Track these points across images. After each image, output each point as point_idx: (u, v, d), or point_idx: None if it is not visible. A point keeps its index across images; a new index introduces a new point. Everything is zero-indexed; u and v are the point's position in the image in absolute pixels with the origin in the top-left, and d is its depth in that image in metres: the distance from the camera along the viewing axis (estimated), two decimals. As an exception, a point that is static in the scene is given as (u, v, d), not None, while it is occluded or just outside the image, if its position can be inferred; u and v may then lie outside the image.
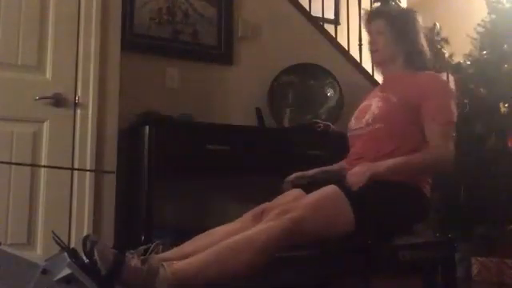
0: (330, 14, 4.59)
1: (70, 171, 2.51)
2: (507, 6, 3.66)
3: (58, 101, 2.52)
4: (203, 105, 3.30)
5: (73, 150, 2.54)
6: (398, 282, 2.59)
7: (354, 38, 4.02)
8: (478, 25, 3.72)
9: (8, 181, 2.40)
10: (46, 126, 2.51)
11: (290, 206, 1.66)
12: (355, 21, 4.04)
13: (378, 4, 4.06)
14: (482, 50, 3.67)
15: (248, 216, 1.80)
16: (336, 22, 4.59)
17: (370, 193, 1.74)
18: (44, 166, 2.43)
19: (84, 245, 1.37)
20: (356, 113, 2.15)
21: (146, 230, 2.60)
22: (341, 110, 3.50)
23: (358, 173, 1.76)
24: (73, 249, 1.38)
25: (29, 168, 2.44)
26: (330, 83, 3.55)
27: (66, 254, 1.35)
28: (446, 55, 4.04)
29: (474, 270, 3.15)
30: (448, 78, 4.15)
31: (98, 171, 2.52)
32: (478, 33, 3.71)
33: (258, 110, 3.32)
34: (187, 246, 1.67)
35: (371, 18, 2.14)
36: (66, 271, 1.32)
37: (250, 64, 3.53)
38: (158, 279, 1.40)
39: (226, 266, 1.48)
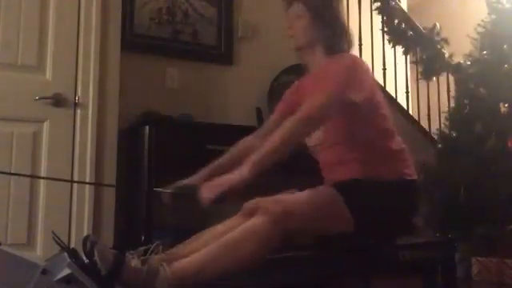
0: (330, 14, 4.58)
1: (69, 171, 2.51)
2: (507, 6, 3.66)
3: (57, 101, 2.53)
4: (203, 105, 3.30)
5: (73, 150, 2.54)
6: (398, 281, 2.59)
7: (354, 38, 4.01)
8: (478, 25, 3.72)
9: (8, 181, 2.40)
10: (45, 126, 2.51)
11: (281, 197, 1.67)
12: (355, 21, 4.03)
13: (378, 4, 4.06)
14: (482, 50, 3.67)
15: (243, 212, 1.80)
16: (336, 22, 4.58)
17: (365, 192, 1.73)
18: (43, 178, 2.43)
19: (84, 245, 1.37)
20: None
21: (145, 230, 2.60)
22: (341, 110, 3.49)
23: (211, 186, 1.60)
24: (73, 249, 1.38)
25: (29, 168, 2.44)
26: (330, 83, 3.55)
27: (65, 254, 1.35)
28: (446, 55, 4.05)
29: (474, 270, 3.15)
30: (448, 78, 4.16)
31: (98, 184, 2.52)
32: (478, 33, 3.71)
33: (258, 110, 3.32)
34: (186, 246, 1.68)
35: (289, 2, 1.99)
36: (66, 271, 1.32)
37: (250, 64, 3.53)
38: (158, 279, 1.40)
39: (225, 263, 1.49)
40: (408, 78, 4.42)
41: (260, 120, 3.29)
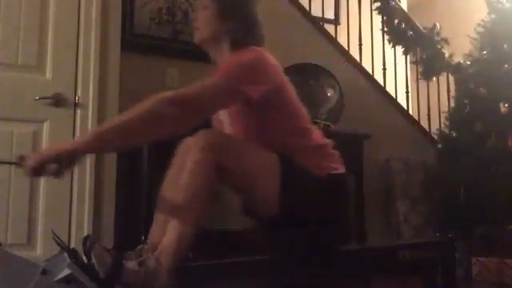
0: (330, 14, 4.59)
1: (69, 176, 2.51)
2: (507, 5, 3.66)
3: (57, 101, 2.53)
4: (203, 105, 3.29)
5: (73, 150, 2.53)
6: (398, 282, 2.59)
7: (353, 37, 4.02)
8: (478, 25, 3.72)
9: (8, 181, 2.41)
10: (45, 126, 2.51)
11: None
12: (355, 21, 4.03)
13: (378, 4, 4.06)
14: (482, 50, 3.67)
15: (177, 155, 1.77)
16: (336, 22, 4.59)
17: (298, 180, 1.65)
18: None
19: (84, 245, 1.37)
20: (216, 122, 1.95)
21: (146, 230, 2.59)
22: (341, 110, 3.50)
23: (36, 154, 1.46)
24: (73, 249, 1.38)
25: (29, 168, 2.44)
26: (329, 83, 3.55)
27: (66, 254, 1.35)
28: (446, 55, 4.05)
29: (474, 270, 3.15)
30: (448, 78, 4.16)
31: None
32: (477, 33, 3.71)
33: (258, 110, 3.32)
34: (156, 225, 1.67)
35: None
36: (66, 271, 1.32)
37: (250, 64, 3.52)
38: (156, 279, 1.41)
39: (191, 217, 1.50)
40: (408, 78, 4.42)
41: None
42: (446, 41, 4.05)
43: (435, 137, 3.92)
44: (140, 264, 1.42)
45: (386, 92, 4.05)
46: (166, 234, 1.50)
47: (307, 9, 3.83)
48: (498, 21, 3.64)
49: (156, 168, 2.68)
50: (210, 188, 1.54)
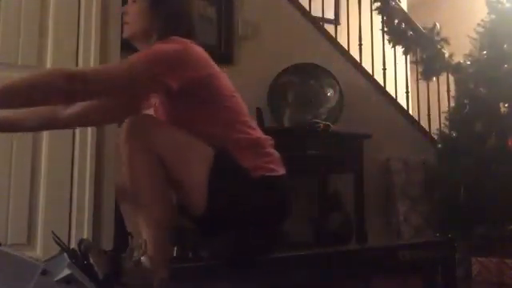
0: (330, 14, 4.59)
1: (69, 173, 2.51)
2: (507, 5, 3.66)
3: (57, 101, 2.52)
4: (203, 105, 3.29)
5: (73, 150, 2.53)
6: (398, 282, 2.59)
7: (354, 37, 4.02)
8: (478, 25, 3.72)
9: (8, 181, 2.40)
10: (45, 126, 2.51)
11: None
12: (355, 21, 4.03)
13: (378, 4, 4.06)
14: (481, 50, 3.67)
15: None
16: (336, 21, 4.60)
17: (230, 179, 1.59)
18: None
19: (79, 249, 1.37)
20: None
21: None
22: (341, 109, 3.50)
23: None
24: (73, 249, 1.38)
25: (29, 168, 2.44)
26: (329, 83, 3.55)
27: (65, 254, 1.35)
28: (446, 55, 4.05)
29: (474, 270, 3.15)
30: (448, 78, 4.16)
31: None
32: (477, 33, 3.71)
33: (258, 110, 3.32)
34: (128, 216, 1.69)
35: None
36: (66, 272, 1.32)
37: (250, 64, 3.53)
38: (155, 278, 1.42)
39: (156, 210, 1.50)
40: (408, 78, 4.42)
41: (260, 120, 3.29)
42: (446, 41, 4.05)
43: (435, 137, 3.92)
44: (136, 264, 1.42)
45: (386, 92, 4.05)
46: (143, 230, 1.50)
47: (307, 9, 3.83)
48: (497, 21, 3.64)
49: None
50: (155, 175, 1.49)
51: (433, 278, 2.05)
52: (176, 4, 1.74)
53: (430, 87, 4.18)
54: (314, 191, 3.50)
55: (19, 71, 2.49)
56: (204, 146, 1.58)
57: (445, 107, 4.05)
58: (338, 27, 4.12)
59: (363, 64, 3.98)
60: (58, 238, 1.40)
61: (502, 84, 3.45)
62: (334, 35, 3.93)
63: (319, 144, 3.10)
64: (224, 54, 3.44)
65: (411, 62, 4.29)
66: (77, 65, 2.58)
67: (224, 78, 1.78)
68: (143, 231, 1.51)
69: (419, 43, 4.08)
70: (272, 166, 1.67)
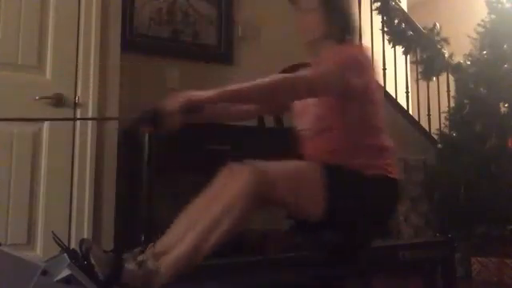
0: (330, 14, 4.58)
1: (69, 173, 2.51)
2: (507, 5, 3.66)
3: (58, 101, 2.52)
4: (203, 105, 3.29)
5: (73, 150, 2.53)
6: (398, 282, 2.59)
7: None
8: (478, 25, 3.72)
9: (8, 180, 2.40)
10: (46, 125, 2.51)
11: (267, 163, 1.64)
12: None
13: (378, 4, 4.06)
14: (482, 49, 3.67)
15: (219, 178, 1.77)
16: (336, 21, 4.59)
17: (346, 181, 1.69)
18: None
19: (80, 249, 1.37)
20: (296, 111, 2.05)
21: (146, 230, 2.60)
22: (341, 109, 3.49)
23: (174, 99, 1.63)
24: (73, 250, 1.38)
25: (29, 168, 2.44)
26: (330, 83, 3.55)
27: (65, 254, 1.35)
28: (446, 55, 4.05)
29: (474, 270, 3.15)
30: (448, 78, 4.16)
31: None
32: (477, 33, 3.71)
33: (258, 110, 3.32)
34: (172, 232, 1.67)
35: None
36: (66, 272, 1.32)
37: (250, 64, 3.53)
38: (155, 280, 1.41)
39: (213, 239, 1.50)
40: (408, 78, 4.42)
41: (260, 120, 3.29)
42: (446, 41, 4.05)
43: (435, 137, 3.92)
44: (139, 265, 1.42)
45: (386, 92, 4.05)
46: (182, 243, 1.51)
47: (307, 9, 3.82)
48: (497, 21, 3.64)
49: (156, 168, 2.68)
50: (241, 220, 1.55)
51: (433, 278, 2.06)
52: (345, 8, 1.94)
53: (430, 87, 4.18)
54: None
55: (19, 71, 2.50)
56: (313, 168, 1.68)
57: (445, 107, 4.05)
58: (338, 27, 4.12)
59: (363, 64, 3.97)
60: (58, 238, 1.41)
61: (502, 84, 3.45)
62: (334, 35, 3.92)
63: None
64: (224, 54, 3.45)
65: (411, 62, 4.28)
66: (76, 65, 2.58)
67: (377, 81, 1.94)
68: (184, 246, 1.51)
69: (419, 43, 4.08)
70: (390, 168, 1.84)
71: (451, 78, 4.12)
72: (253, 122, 3.28)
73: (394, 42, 4.08)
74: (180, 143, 2.75)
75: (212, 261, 1.60)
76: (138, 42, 3.17)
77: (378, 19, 4.11)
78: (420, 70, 4.11)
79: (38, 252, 2.41)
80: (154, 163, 2.67)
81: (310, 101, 1.87)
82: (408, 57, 4.26)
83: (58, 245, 1.40)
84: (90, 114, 2.58)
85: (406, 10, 4.45)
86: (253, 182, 1.54)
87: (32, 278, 1.31)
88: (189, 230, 1.55)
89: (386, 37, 4.09)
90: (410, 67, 4.36)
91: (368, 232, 1.79)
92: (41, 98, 2.49)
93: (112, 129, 2.65)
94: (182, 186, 3.07)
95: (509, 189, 3.20)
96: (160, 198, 2.74)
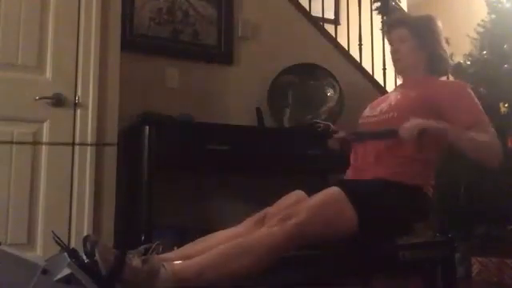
0: (330, 14, 4.59)
1: (69, 173, 2.51)
2: (507, 5, 3.66)
3: (57, 101, 2.52)
4: (203, 105, 3.30)
5: (73, 150, 2.54)
6: (398, 281, 2.59)
7: (354, 37, 4.02)
8: (478, 25, 3.72)
9: (8, 180, 2.41)
10: (46, 126, 2.51)
11: (293, 210, 1.66)
12: (355, 21, 4.04)
13: (378, 4, 4.06)
14: (482, 49, 3.67)
15: (250, 221, 1.80)
16: (336, 22, 4.60)
17: (374, 194, 1.75)
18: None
19: (84, 245, 1.37)
20: (372, 103, 2.15)
21: (146, 230, 2.60)
22: (341, 109, 3.50)
23: (409, 127, 1.76)
24: (73, 249, 1.38)
25: (29, 168, 2.44)
26: (329, 83, 3.55)
27: (66, 254, 1.35)
28: (446, 55, 4.04)
29: (474, 270, 3.15)
30: (448, 78, 4.15)
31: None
32: (478, 33, 3.71)
33: (258, 110, 3.32)
34: (189, 248, 1.67)
35: (393, 26, 2.17)
36: (66, 271, 1.32)
37: (250, 64, 3.53)
38: (158, 279, 1.40)
39: (227, 269, 1.49)
40: (408, 78, 4.41)
41: (260, 120, 3.29)
42: (446, 41, 4.04)
43: (435, 137, 3.91)
44: (144, 262, 1.42)
45: (386, 92, 4.05)
46: (206, 254, 1.51)
47: (307, 9, 3.83)
48: (497, 21, 3.63)
49: (156, 168, 2.68)
50: (271, 259, 1.55)
51: (433, 278, 2.05)
52: (436, 39, 2.19)
53: (430, 87, 4.17)
54: (315, 191, 3.49)
55: (19, 71, 2.50)
56: (332, 191, 1.74)
57: (445, 107, 4.04)
58: (338, 27, 4.12)
59: (363, 64, 3.97)
60: (58, 238, 1.40)
61: (502, 84, 3.45)
62: (334, 35, 3.92)
63: (319, 144, 3.09)
64: (224, 54, 3.45)
65: (411, 62, 4.27)
66: (76, 65, 2.58)
67: None
68: (207, 257, 1.51)
69: (419, 43, 4.08)
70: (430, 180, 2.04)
71: (451, 78, 4.12)
72: (253, 122, 3.28)
73: (394, 42, 4.07)
74: (180, 143, 2.76)
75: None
76: (138, 42, 3.17)
77: (378, 19, 4.11)
78: (420, 70, 4.10)
79: (38, 252, 2.41)
80: (154, 163, 2.67)
81: (392, 97, 2.05)
82: (408, 57, 4.25)
83: (58, 244, 1.40)
84: (89, 114, 2.58)
85: (406, 9, 4.45)
86: (284, 235, 1.56)
87: (32, 277, 1.31)
88: (208, 249, 1.55)
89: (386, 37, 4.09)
90: (410, 67, 4.35)
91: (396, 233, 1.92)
92: (41, 98, 2.49)
93: (112, 128, 2.65)
94: (181, 186, 3.08)
95: (509, 189, 3.20)
96: (160, 197, 2.75)
